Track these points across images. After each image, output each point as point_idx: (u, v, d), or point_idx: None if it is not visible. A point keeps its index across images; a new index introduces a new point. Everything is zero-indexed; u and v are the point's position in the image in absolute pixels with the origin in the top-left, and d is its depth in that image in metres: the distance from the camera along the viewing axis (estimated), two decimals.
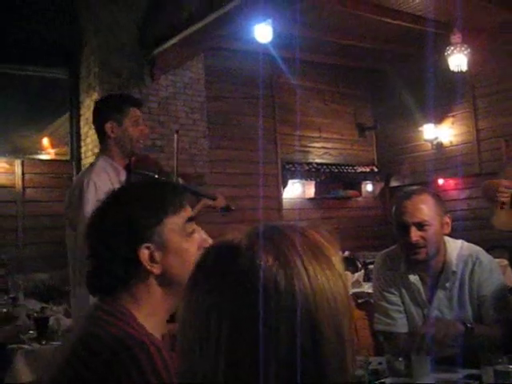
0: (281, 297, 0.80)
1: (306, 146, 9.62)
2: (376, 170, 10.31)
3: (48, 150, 7.72)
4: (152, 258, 1.42)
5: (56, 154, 7.78)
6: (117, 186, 2.91)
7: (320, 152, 9.79)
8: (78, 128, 7.44)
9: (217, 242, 0.92)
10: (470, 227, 8.93)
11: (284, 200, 9.15)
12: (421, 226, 2.42)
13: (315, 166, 9.44)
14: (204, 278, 0.87)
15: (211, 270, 0.87)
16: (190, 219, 1.50)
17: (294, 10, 6.39)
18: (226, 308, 0.81)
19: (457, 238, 7.97)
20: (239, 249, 0.84)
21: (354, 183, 9.97)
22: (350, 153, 10.22)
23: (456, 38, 7.38)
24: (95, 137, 6.84)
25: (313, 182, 9.25)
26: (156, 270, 1.42)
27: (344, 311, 0.84)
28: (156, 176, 3.05)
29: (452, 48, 7.43)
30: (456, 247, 2.56)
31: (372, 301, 2.86)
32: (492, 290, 2.46)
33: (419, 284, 2.55)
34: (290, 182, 9.09)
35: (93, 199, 2.89)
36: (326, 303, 0.82)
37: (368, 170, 10.18)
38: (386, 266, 2.69)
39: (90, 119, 6.96)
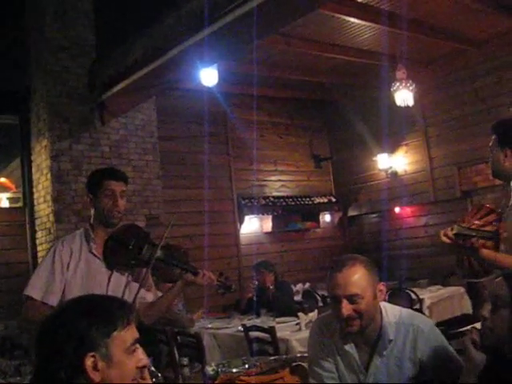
0: None
1: (263, 180, 9.66)
2: (334, 200, 10.38)
3: (1, 194, 7.64)
4: (95, 367, 1.55)
5: (10, 198, 7.70)
6: (85, 253, 3.10)
7: (277, 185, 9.85)
8: (30, 174, 7.36)
9: None
10: (427, 254, 9.05)
11: (241, 236, 9.17)
12: (352, 298, 2.40)
13: (272, 199, 9.47)
14: None
15: None
16: (136, 341, 1.65)
17: (239, 53, 6.49)
18: None
19: (417, 265, 7.96)
20: None
21: (312, 214, 10.03)
22: (306, 184, 10.29)
23: (401, 73, 7.51)
24: (47, 183, 6.90)
25: (270, 216, 9.28)
26: (96, 378, 1.55)
27: None
28: (130, 246, 3.10)
29: (397, 84, 7.56)
30: (394, 314, 2.55)
31: (305, 364, 2.86)
32: (437, 358, 2.46)
33: (354, 352, 2.54)
34: (247, 217, 9.10)
35: (47, 264, 3.08)
36: None
37: (326, 200, 10.24)
38: (321, 332, 2.67)
39: (42, 165, 7.01)
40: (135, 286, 3.11)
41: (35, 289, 3.02)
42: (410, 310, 2.71)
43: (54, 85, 6.97)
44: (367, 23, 6.98)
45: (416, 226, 9.54)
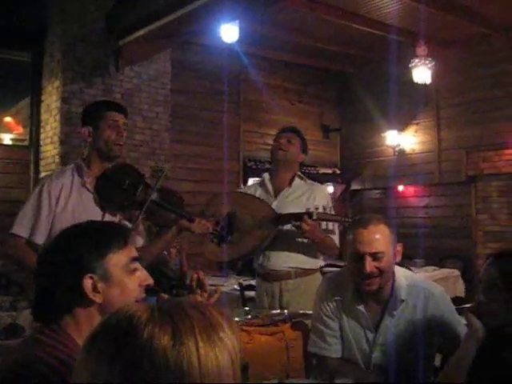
0: (169, 374, 0.86)
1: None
2: (338, 172, 10.36)
3: (6, 135, 7.58)
4: (95, 288, 1.57)
5: (14, 139, 7.64)
6: (77, 187, 3.00)
7: None
8: (39, 114, 7.30)
9: (119, 312, 0.95)
10: (426, 235, 9.02)
11: None
12: (376, 256, 2.40)
13: None
14: (99, 348, 0.91)
15: (107, 341, 0.91)
16: (135, 259, 1.67)
17: (262, 11, 6.39)
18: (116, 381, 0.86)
19: (415, 244, 7.85)
20: (137, 325, 0.90)
21: None
22: (313, 154, 10.17)
23: (421, 50, 7.43)
24: (55, 124, 6.85)
25: None
26: (98, 299, 1.58)
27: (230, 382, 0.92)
28: (124, 186, 2.99)
29: (416, 60, 7.48)
30: (405, 277, 2.57)
31: (306, 322, 2.87)
32: (446, 323, 2.48)
33: (365, 311, 2.55)
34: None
35: (34, 201, 2.99)
36: (212, 378, 0.89)
37: (330, 171, 10.22)
38: (330, 291, 2.68)
39: (51, 106, 6.96)
40: None
41: (22, 226, 2.94)
42: (420, 275, 2.71)
43: (70, 25, 6.87)
44: None
45: (417, 206, 9.54)
